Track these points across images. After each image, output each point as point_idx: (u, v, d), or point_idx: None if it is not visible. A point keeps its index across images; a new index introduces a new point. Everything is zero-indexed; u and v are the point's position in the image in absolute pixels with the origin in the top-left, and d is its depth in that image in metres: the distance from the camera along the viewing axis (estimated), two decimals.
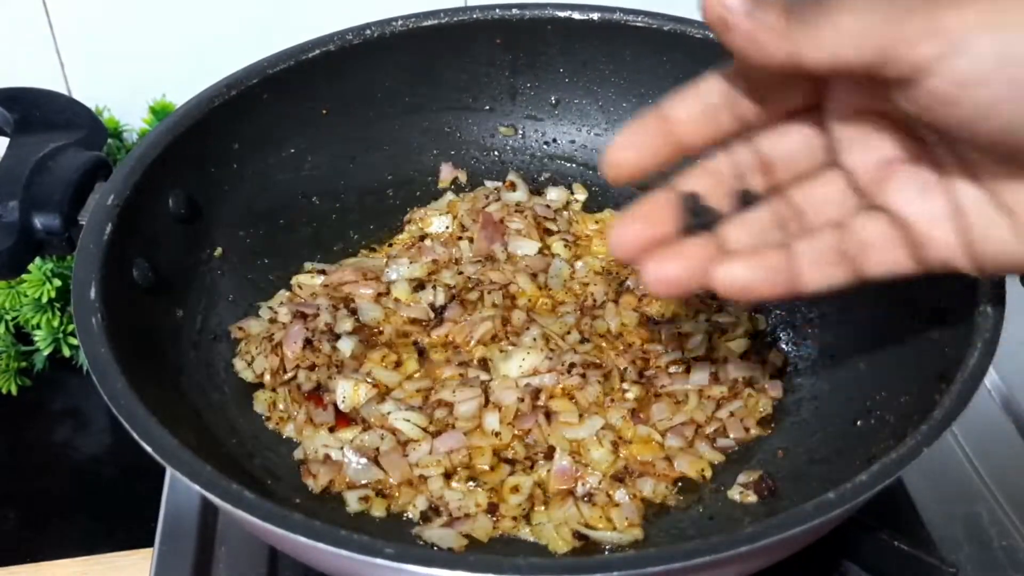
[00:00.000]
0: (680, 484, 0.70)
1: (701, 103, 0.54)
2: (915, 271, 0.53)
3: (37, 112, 0.77)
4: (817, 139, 0.54)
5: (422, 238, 0.86)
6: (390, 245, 0.87)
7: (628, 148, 0.54)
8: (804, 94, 0.53)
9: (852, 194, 0.54)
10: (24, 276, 0.90)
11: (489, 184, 0.91)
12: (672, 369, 0.76)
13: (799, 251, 0.54)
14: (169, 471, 0.65)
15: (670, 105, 0.54)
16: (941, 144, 0.50)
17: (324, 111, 0.86)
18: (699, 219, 0.55)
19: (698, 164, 0.57)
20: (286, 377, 0.75)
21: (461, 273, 0.82)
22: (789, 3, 0.47)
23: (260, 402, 0.75)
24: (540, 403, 0.73)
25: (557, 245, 0.85)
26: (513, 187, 0.89)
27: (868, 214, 0.53)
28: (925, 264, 0.52)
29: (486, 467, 0.70)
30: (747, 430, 0.73)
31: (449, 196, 0.90)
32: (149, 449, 0.56)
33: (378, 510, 0.68)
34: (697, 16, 0.67)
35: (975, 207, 0.50)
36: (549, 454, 0.71)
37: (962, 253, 0.51)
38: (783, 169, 0.55)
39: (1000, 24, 0.43)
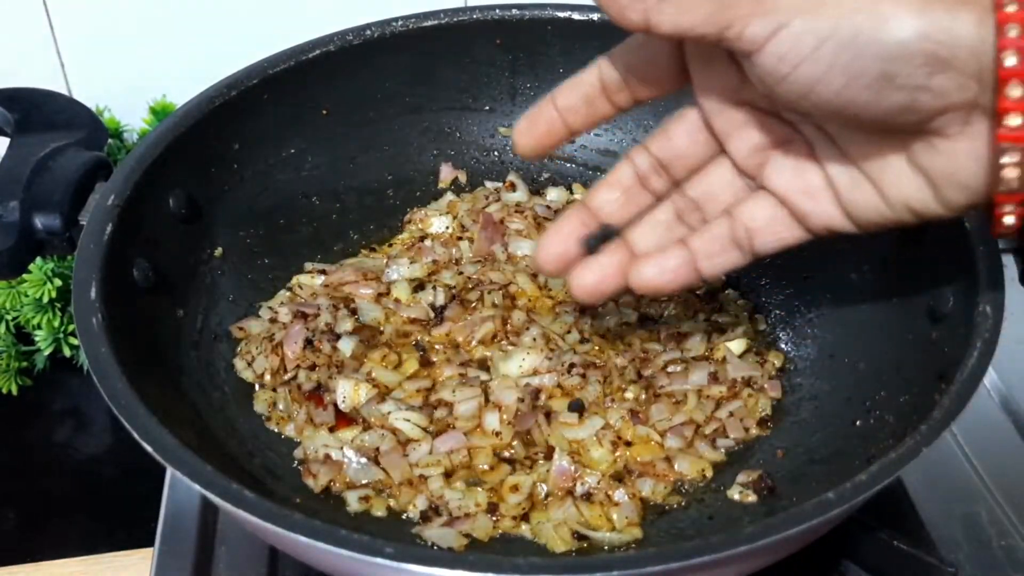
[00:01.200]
0: (680, 484, 0.70)
1: (580, 92, 0.61)
2: (804, 239, 0.59)
3: (37, 112, 0.77)
4: (702, 134, 0.61)
5: (422, 238, 0.87)
6: (390, 245, 0.87)
7: (526, 134, 0.63)
8: (666, 82, 0.59)
9: (740, 179, 0.61)
10: (25, 276, 0.91)
11: (489, 184, 0.91)
12: (671, 369, 0.76)
13: (696, 247, 0.61)
14: (169, 471, 0.65)
15: (558, 93, 0.62)
16: (807, 124, 0.56)
17: (324, 111, 0.86)
18: (600, 238, 0.63)
19: (603, 177, 0.65)
20: (286, 377, 0.75)
21: (461, 273, 0.82)
22: None
23: (260, 402, 0.75)
24: (540, 403, 0.73)
25: None
26: (513, 187, 0.89)
27: (755, 196, 0.60)
28: (812, 232, 0.59)
29: (486, 467, 0.70)
30: (747, 430, 0.73)
31: (449, 196, 0.90)
32: (149, 449, 0.56)
33: (378, 510, 0.68)
34: None
35: (843, 177, 0.56)
36: (549, 454, 0.71)
37: (841, 216, 0.57)
38: (679, 166, 0.62)
39: (816, 7, 0.48)
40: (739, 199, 0.60)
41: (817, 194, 0.57)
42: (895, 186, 0.54)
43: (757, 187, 0.60)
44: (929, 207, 0.54)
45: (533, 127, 0.62)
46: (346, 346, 0.76)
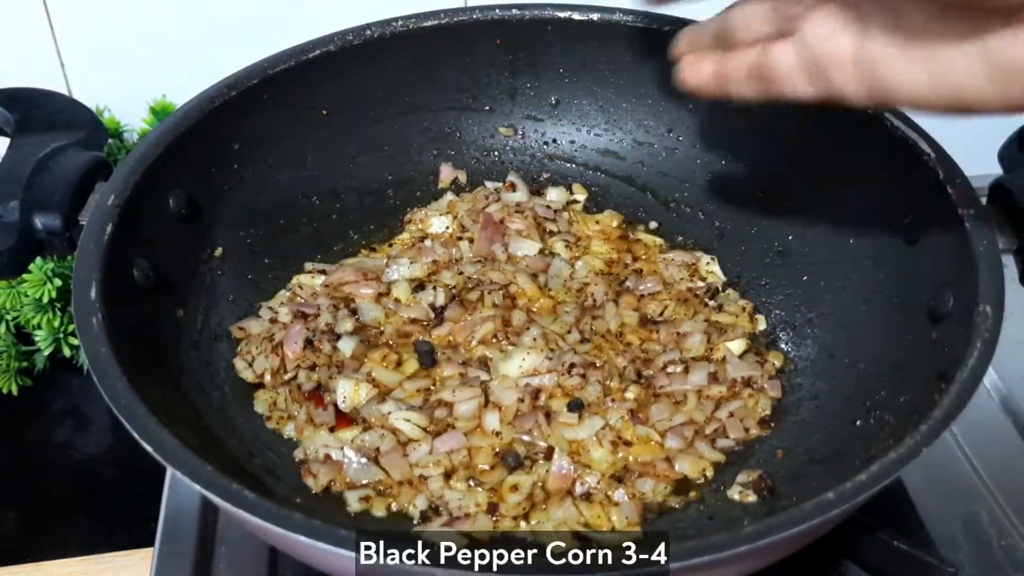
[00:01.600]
0: (680, 484, 0.70)
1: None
2: (818, 99, 0.58)
3: (37, 112, 0.77)
4: None
5: (422, 238, 0.87)
6: (390, 245, 0.87)
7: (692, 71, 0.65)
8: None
9: (772, 18, 0.60)
10: (25, 276, 0.91)
11: (489, 184, 0.91)
12: (671, 369, 0.76)
13: (727, 68, 0.62)
14: (169, 471, 0.65)
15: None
16: None
17: (324, 111, 0.86)
18: None
19: None
20: (287, 377, 0.75)
21: (461, 273, 0.82)
22: None
23: (260, 402, 0.75)
24: (540, 403, 0.73)
25: (557, 245, 0.85)
26: (513, 188, 0.89)
27: (784, 42, 0.59)
28: (826, 95, 0.57)
29: (486, 467, 0.70)
30: (747, 430, 0.73)
31: (449, 196, 0.90)
32: (150, 449, 0.56)
33: (378, 510, 0.68)
34: (696, 18, 0.68)
35: (890, 49, 0.52)
36: (549, 454, 0.71)
37: (862, 91, 0.55)
38: None
39: None
40: (772, 37, 0.59)
41: (841, 63, 0.55)
42: (953, 70, 0.50)
43: (791, 32, 0.58)
44: (983, 98, 0.50)
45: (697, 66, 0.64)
46: (346, 346, 0.76)
